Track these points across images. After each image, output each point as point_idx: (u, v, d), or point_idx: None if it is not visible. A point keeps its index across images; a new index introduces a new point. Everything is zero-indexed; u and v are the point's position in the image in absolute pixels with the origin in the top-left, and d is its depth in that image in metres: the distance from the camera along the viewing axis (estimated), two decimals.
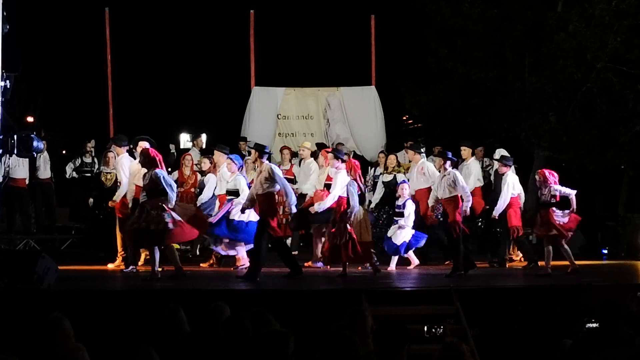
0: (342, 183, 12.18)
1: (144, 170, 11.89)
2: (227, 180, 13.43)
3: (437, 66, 19.72)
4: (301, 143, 15.92)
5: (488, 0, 18.86)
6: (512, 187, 13.76)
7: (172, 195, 11.58)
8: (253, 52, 18.29)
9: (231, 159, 13.46)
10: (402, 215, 13.46)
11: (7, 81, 11.93)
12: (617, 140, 18.14)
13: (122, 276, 12.47)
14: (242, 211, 12.51)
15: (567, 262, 12.81)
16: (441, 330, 9.69)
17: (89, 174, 16.27)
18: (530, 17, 18.56)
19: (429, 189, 13.34)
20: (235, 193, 13.16)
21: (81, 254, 15.46)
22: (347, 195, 12.10)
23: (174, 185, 11.99)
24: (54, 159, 17.28)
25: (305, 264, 13.35)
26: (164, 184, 11.49)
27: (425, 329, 9.70)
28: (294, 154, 16.22)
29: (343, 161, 12.69)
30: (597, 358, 6.92)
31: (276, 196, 12.12)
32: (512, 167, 14.47)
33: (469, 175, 14.50)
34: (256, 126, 17.93)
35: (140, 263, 13.12)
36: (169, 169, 16.47)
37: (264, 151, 12.20)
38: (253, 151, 12.82)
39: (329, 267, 13.10)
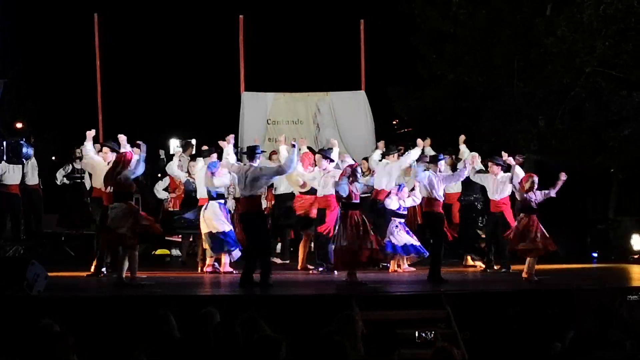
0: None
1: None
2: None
3: (426, 71, 19.80)
4: None
5: (476, 3, 18.94)
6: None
7: None
8: (242, 57, 18.26)
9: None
10: (403, 217, 13.53)
11: None
12: (606, 144, 18.22)
13: (112, 283, 12.41)
14: None
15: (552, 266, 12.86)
16: (432, 335, 9.69)
17: (79, 180, 16.20)
18: (519, 21, 18.63)
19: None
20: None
21: (71, 260, 15.40)
22: None
23: None
24: (44, 165, 17.20)
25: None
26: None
27: (416, 334, 9.69)
28: None
29: (331, 161, 12.97)
30: None
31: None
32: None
33: None
34: (246, 131, 17.92)
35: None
36: (159, 175, 16.46)
37: (255, 153, 12.20)
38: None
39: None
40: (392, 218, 13.64)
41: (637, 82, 18.14)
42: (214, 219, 13.05)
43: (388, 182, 14.20)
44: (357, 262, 11.79)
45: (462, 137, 15.27)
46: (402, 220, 13.71)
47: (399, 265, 13.79)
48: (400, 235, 13.54)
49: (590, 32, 18.11)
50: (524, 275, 12.56)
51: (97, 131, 17.30)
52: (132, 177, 11.86)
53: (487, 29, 18.91)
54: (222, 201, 13.26)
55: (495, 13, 18.86)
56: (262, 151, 12.95)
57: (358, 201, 12.03)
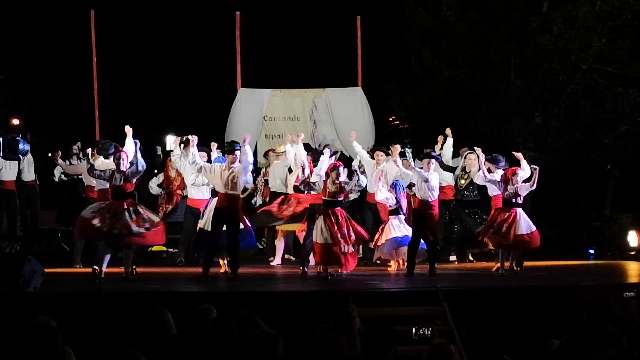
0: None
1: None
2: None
3: (420, 69, 19.81)
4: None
5: (467, 3, 18.96)
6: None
7: None
8: (239, 53, 18.24)
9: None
10: (398, 212, 13.47)
11: None
12: (602, 141, 18.23)
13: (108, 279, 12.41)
14: None
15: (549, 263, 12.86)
16: (429, 331, 9.69)
17: (77, 177, 16.18)
18: (515, 18, 18.66)
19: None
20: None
21: (67, 257, 15.38)
22: None
23: None
24: (40, 162, 17.18)
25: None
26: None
27: (414, 330, 9.70)
28: None
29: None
30: (584, 359, 6.93)
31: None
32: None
33: None
34: (241, 128, 17.86)
35: None
36: (155, 171, 16.45)
37: (234, 149, 12.19)
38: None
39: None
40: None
41: (633, 78, 18.18)
42: None
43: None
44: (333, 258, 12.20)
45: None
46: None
47: (399, 267, 13.68)
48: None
49: (586, 29, 18.13)
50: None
51: (94, 127, 17.37)
52: (138, 172, 11.85)
53: (482, 27, 18.94)
54: None
55: (490, 12, 18.88)
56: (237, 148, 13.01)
57: (342, 199, 12.42)
